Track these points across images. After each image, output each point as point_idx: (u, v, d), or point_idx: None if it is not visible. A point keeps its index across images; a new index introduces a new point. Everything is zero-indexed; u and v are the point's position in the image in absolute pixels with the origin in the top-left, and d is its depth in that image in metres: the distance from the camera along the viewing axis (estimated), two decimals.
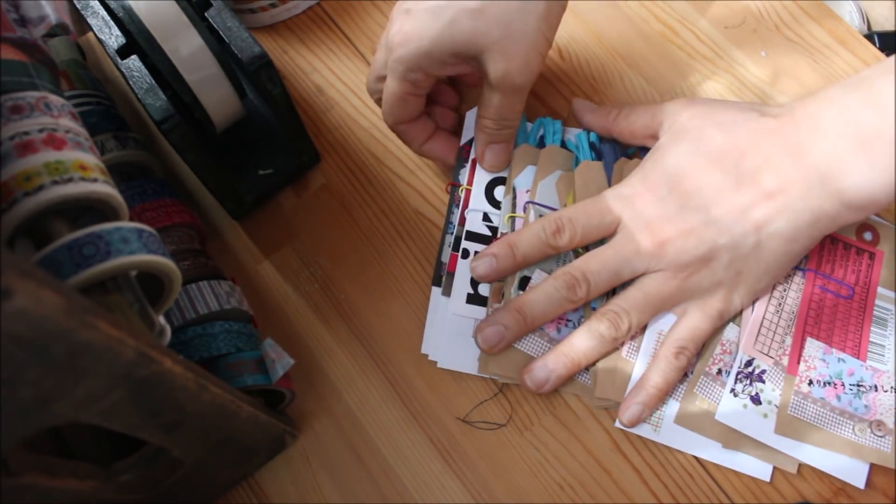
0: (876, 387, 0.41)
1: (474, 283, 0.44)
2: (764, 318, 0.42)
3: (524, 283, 0.43)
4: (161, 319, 0.31)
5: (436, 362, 0.44)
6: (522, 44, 0.40)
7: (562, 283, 0.41)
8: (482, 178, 0.46)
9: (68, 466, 0.29)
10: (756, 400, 0.40)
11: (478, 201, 0.46)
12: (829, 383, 0.41)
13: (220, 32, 0.40)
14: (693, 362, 0.41)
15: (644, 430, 0.41)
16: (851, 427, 0.40)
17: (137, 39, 0.39)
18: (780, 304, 0.42)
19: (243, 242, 0.48)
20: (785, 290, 0.42)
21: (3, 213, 0.28)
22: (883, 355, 0.41)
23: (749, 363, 0.41)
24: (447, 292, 0.44)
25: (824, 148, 0.37)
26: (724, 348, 0.42)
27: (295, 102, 0.44)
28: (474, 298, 0.44)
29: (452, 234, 0.46)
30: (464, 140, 0.48)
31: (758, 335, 0.41)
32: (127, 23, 0.39)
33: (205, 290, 0.39)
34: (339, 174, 0.49)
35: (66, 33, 0.51)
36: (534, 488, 0.41)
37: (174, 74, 0.39)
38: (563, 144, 0.47)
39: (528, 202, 0.45)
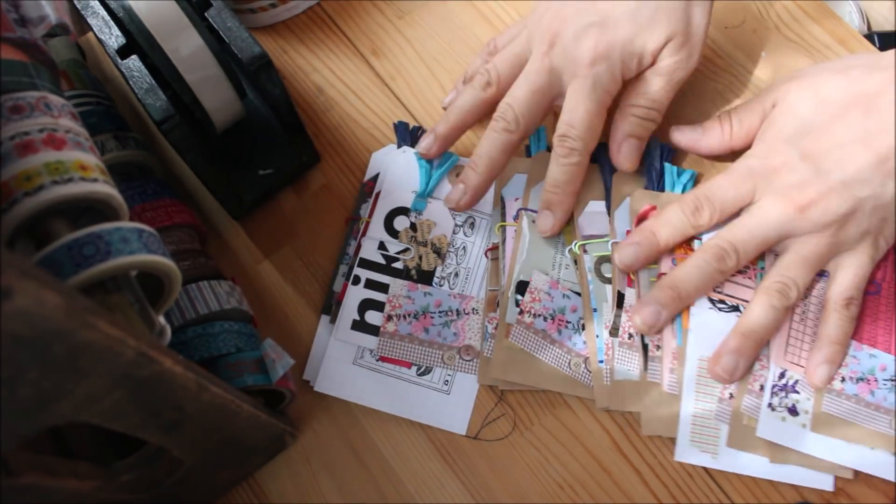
0: None
1: (361, 311, 0.44)
2: (791, 328, 0.42)
3: (522, 288, 0.43)
4: (161, 319, 0.31)
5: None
6: (696, 38, 0.43)
7: (711, 255, 0.41)
8: (383, 208, 0.46)
9: (68, 466, 0.29)
10: (793, 411, 0.40)
11: (376, 230, 0.46)
12: (861, 379, 0.41)
13: (220, 32, 0.40)
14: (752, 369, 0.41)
15: (703, 460, 0.40)
16: (888, 422, 0.40)
17: (137, 39, 0.39)
18: (804, 311, 0.42)
19: (243, 242, 0.48)
20: (808, 298, 0.42)
21: (4, 213, 0.28)
22: None
23: (782, 375, 0.41)
24: (334, 320, 0.44)
25: None
26: (762, 363, 0.41)
27: (295, 102, 0.44)
28: (360, 325, 0.44)
29: (346, 264, 0.46)
30: (368, 177, 0.48)
31: (787, 346, 0.41)
32: (127, 23, 0.39)
33: (205, 290, 0.39)
34: (339, 174, 0.49)
35: (66, 33, 0.51)
36: (534, 488, 0.41)
37: (174, 74, 0.39)
38: (549, 149, 0.47)
39: (520, 209, 0.45)
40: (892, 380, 0.40)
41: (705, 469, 0.41)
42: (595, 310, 0.43)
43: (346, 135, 0.50)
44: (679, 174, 0.45)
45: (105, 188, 0.30)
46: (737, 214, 0.42)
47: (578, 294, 0.44)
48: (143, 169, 0.45)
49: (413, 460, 0.42)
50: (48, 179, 0.28)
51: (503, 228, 0.45)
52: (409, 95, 0.51)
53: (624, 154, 0.45)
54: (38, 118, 0.29)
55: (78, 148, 0.30)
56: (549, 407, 0.43)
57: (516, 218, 0.45)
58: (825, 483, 0.40)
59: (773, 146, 0.42)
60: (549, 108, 0.44)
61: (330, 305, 0.45)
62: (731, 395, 0.41)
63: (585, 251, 0.44)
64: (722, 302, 0.42)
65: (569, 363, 0.42)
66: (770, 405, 0.40)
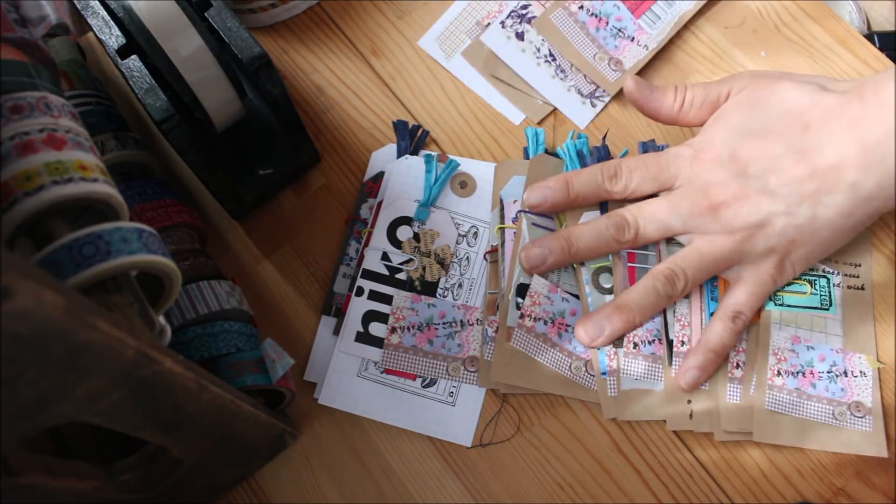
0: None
1: (365, 322, 0.44)
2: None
3: (522, 291, 0.43)
4: (161, 319, 0.31)
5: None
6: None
7: (612, 222, 0.42)
8: (386, 218, 0.46)
9: (68, 466, 0.29)
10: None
11: (379, 240, 0.46)
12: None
13: (220, 32, 0.40)
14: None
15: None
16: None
17: (137, 39, 0.39)
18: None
19: (243, 242, 0.48)
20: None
21: (4, 213, 0.28)
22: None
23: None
24: (337, 331, 0.44)
25: (888, 126, 0.38)
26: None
27: (295, 102, 0.44)
28: (364, 337, 0.44)
29: (348, 265, 0.46)
30: (367, 177, 0.48)
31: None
32: (127, 23, 0.39)
33: (205, 290, 0.39)
34: (339, 174, 0.49)
35: (66, 33, 0.50)
36: (534, 488, 0.41)
37: (174, 74, 0.39)
38: (548, 151, 0.47)
39: (519, 211, 0.45)
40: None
41: (705, 469, 0.41)
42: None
43: (346, 135, 0.50)
44: None
45: (105, 188, 0.30)
46: (652, 196, 0.43)
47: (577, 296, 0.44)
48: (143, 169, 0.45)
49: (413, 460, 0.42)
50: (48, 179, 0.28)
51: (502, 231, 0.45)
52: (409, 95, 0.51)
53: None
54: (38, 118, 0.29)
55: (78, 148, 0.30)
56: (550, 407, 0.43)
57: (515, 220, 0.45)
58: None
59: (712, 141, 0.42)
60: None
61: (330, 306, 0.45)
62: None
63: (583, 263, 0.44)
64: None
65: (569, 367, 0.42)
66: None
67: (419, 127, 0.49)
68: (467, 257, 0.46)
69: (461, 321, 0.44)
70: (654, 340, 0.42)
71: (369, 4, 0.53)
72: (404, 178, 0.47)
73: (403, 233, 0.46)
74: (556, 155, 0.47)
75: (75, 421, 0.25)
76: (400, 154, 0.48)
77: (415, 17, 0.53)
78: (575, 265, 0.44)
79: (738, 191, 0.40)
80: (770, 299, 0.43)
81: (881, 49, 0.51)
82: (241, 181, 0.47)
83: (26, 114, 0.29)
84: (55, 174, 0.28)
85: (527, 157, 0.48)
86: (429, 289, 0.45)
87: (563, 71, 0.48)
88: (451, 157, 0.48)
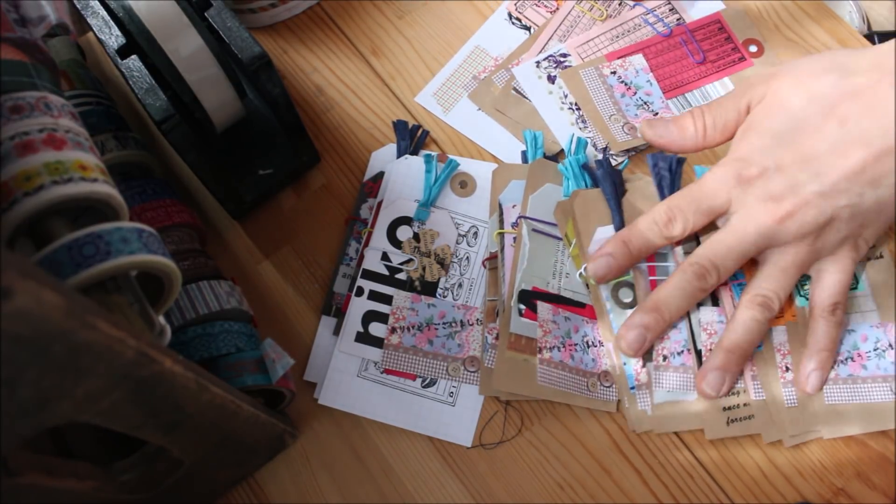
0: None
1: (365, 323, 0.44)
2: None
3: (524, 297, 0.43)
4: (161, 319, 0.31)
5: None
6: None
7: (691, 274, 0.41)
8: (386, 218, 0.46)
9: (68, 466, 0.29)
10: None
11: (379, 241, 0.46)
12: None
13: (220, 32, 0.40)
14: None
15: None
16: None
17: (137, 39, 0.39)
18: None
19: (243, 242, 0.48)
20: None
21: (3, 213, 0.28)
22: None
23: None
24: (337, 331, 0.44)
25: None
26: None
27: (295, 102, 0.44)
28: (364, 337, 0.44)
29: (348, 265, 0.46)
30: (367, 176, 0.48)
31: None
32: (127, 23, 0.39)
33: (205, 290, 0.39)
34: (339, 174, 0.49)
35: (66, 33, 0.50)
36: (534, 488, 0.41)
37: (174, 74, 0.39)
38: (546, 156, 0.47)
39: (520, 216, 0.45)
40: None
41: (705, 469, 0.41)
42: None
43: (346, 135, 0.50)
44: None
45: (105, 188, 0.30)
46: (711, 224, 0.42)
47: (576, 305, 0.44)
48: (143, 169, 0.45)
49: (413, 460, 0.42)
50: (48, 179, 0.28)
51: (501, 236, 0.45)
52: (409, 95, 0.51)
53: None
54: (38, 118, 0.29)
55: (78, 148, 0.30)
56: (550, 407, 0.43)
57: (515, 225, 0.45)
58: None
59: (751, 156, 0.41)
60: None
61: (330, 306, 0.45)
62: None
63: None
64: None
65: (587, 385, 0.42)
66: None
67: (419, 127, 0.49)
68: (467, 257, 0.46)
69: (461, 321, 0.44)
70: (682, 351, 0.42)
71: (369, 4, 0.53)
72: (404, 178, 0.47)
73: (403, 233, 0.46)
74: (554, 159, 0.47)
75: (75, 421, 0.25)
76: (400, 154, 0.48)
77: (415, 17, 0.53)
78: (588, 281, 0.44)
79: (797, 200, 0.40)
80: (800, 294, 0.43)
81: None
82: (241, 181, 0.47)
83: (26, 114, 0.29)
84: (55, 174, 0.28)
85: (525, 161, 0.47)
86: (429, 289, 0.45)
87: (583, 122, 0.48)
88: (451, 156, 0.48)
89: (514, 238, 0.45)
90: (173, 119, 0.39)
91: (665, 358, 0.42)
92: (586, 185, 0.46)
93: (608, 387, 0.42)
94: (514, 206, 0.46)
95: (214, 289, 0.39)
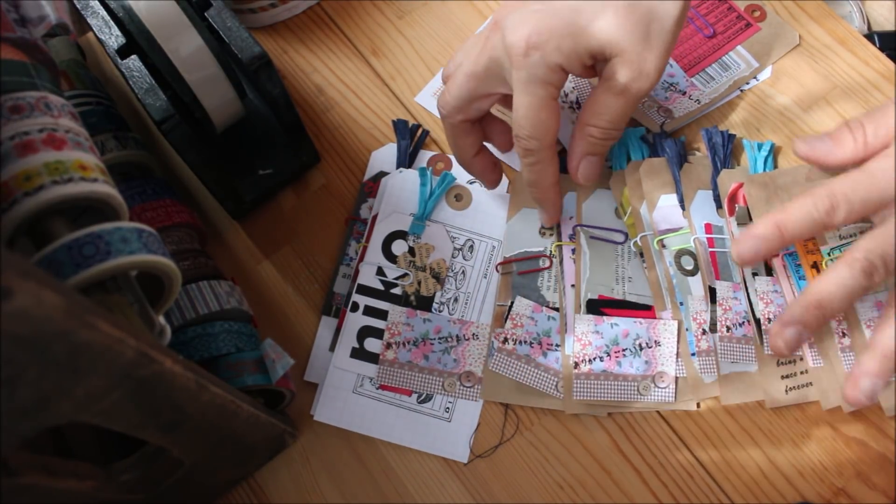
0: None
1: (360, 338, 0.44)
2: None
3: (592, 307, 0.43)
4: (161, 319, 0.31)
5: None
6: (658, 49, 0.38)
7: (858, 270, 0.38)
8: (381, 232, 0.46)
9: (68, 466, 0.29)
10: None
11: (374, 255, 0.45)
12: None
13: (220, 32, 0.40)
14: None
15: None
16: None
17: (137, 39, 0.39)
18: None
19: (243, 242, 0.48)
20: None
21: (3, 213, 0.28)
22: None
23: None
24: (337, 333, 0.44)
25: None
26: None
27: (295, 102, 0.44)
28: (359, 353, 0.44)
29: (348, 265, 0.46)
30: (367, 177, 0.48)
31: None
32: (127, 23, 0.39)
33: (205, 290, 0.39)
34: (339, 174, 0.49)
35: (66, 33, 0.50)
36: (534, 488, 0.41)
37: (174, 74, 0.39)
38: None
39: (576, 226, 0.45)
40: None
41: (705, 469, 0.41)
42: (682, 304, 0.43)
43: (346, 135, 0.50)
44: (759, 147, 0.46)
45: (105, 188, 0.30)
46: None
47: (642, 308, 0.44)
48: (143, 169, 0.45)
49: (413, 460, 0.42)
50: (48, 179, 0.28)
51: (560, 248, 0.45)
52: (409, 95, 0.51)
53: (582, 172, 0.43)
54: (38, 118, 0.29)
55: (78, 148, 0.30)
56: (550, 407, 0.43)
57: (573, 237, 0.45)
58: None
59: None
60: (488, 98, 0.42)
61: (330, 306, 0.45)
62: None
63: (664, 246, 0.44)
64: None
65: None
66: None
67: (419, 126, 0.49)
68: (463, 271, 0.45)
69: (457, 336, 0.44)
70: (742, 322, 0.42)
71: (369, 4, 0.54)
72: (399, 191, 0.47)
73: (399, 247, 0.46)
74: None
75: (75, 421, 0.25)
76: (400, 153, 0.48)
77: (415, 17, 0.53)
78: (644, 248, 0.44)
79: None
80: None
81: (881, 49, 0.50)
82: (241, 181, 0.47)
83: (26, 114, 0.29)
84: (55, 174, 0.28)
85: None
86: (424, 303, 0.45)
87: None
88: (446, 172, 0.48)
89: (574, 249, 0.45)
90: (173, 119, 0.39)
91: (728, 329, 0.42)
92: (642, 157, 0.46)
93: (664, 387, 0.42)
94: (570, 217, 0.45)
95: (214, 289, 0.39)
